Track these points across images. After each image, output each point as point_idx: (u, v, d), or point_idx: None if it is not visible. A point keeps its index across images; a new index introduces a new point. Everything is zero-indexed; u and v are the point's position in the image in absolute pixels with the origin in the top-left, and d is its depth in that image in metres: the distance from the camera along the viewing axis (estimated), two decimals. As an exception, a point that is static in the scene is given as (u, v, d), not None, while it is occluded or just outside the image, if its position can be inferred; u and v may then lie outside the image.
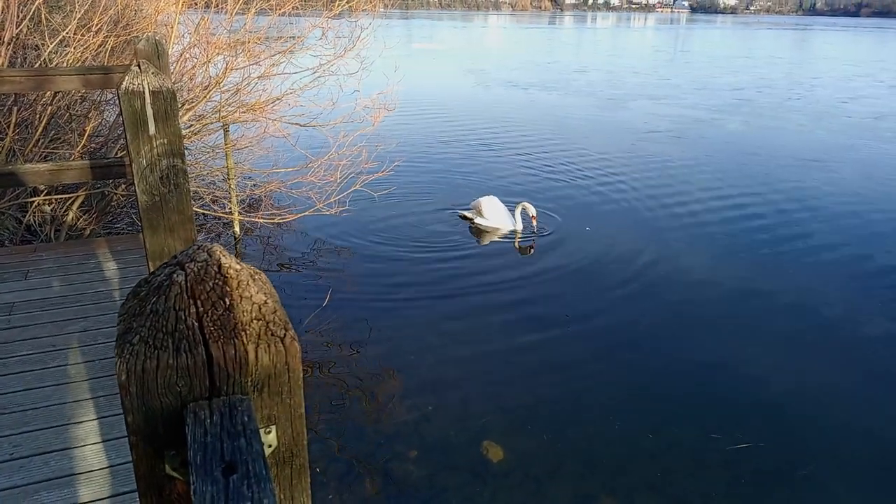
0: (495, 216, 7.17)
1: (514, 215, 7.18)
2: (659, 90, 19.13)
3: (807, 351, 5.06)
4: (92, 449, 2.32)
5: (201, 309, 0.79)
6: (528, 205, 7.10)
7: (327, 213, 6.42)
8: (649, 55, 32.99)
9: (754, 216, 8.08)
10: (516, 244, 6.93)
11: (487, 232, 7.16)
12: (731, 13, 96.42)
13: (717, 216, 8.06)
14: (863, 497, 3.57)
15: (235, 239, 6.49)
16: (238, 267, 0.82)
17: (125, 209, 6.29)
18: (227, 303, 0.80)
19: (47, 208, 5.44)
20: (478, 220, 7.25)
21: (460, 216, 7.52)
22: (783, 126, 14.05)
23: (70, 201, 5.47)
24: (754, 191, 9.13)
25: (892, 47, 41.06)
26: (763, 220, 7.94)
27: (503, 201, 7.29)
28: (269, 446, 0.85)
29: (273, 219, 6.53)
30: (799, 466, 3.74)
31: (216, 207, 6.52)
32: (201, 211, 6.42)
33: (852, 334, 5.32)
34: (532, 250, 6.80)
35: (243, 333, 0.79)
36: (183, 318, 0.78)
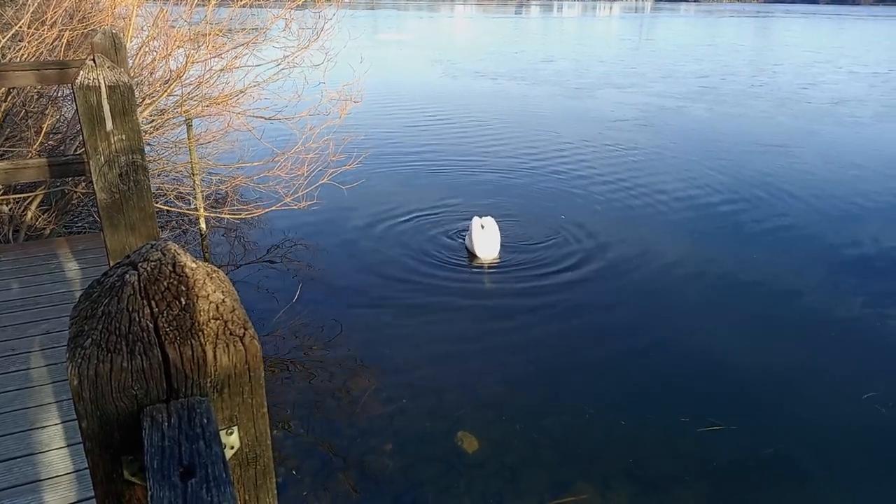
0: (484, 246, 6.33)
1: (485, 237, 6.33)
2: (625, 79, 19.27)
3: (773, 333, 5.16)
4: (57, 454, 2.27)
5: (156, 309, 0.76)
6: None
7: (295, 207, 6.33)
8: (615, 44, 33.22)
9: (719, 202, 8.20)
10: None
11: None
12: (695, 1, 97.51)
13: (683, 202, 8.16)
14: (831, 474, 3.66)
15: (202, 235, 6.38)
16: (194, 265, 0.80)
17: (86, 207, 6.14)
18: (183, 302, 0.77)
19: (5, 208, 5.28)
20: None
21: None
22: (746, 113, 14.27)
23: (28, 201, 5.32)
24: (719, 177, 9.26)
25: (850, 34, 41.97)
26: (728, 206, 8.06)
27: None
28: (232, 448, 0.83)
29: (240, 214, 6.42)
30: (768, 445, 3.82)
31: (181, 204, 6.39)
32: (165, 208, 6.30)
33: (816, 315, 5.44)
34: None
35: (201, 333, 0.77)
36: (137, 319, 0.75)
